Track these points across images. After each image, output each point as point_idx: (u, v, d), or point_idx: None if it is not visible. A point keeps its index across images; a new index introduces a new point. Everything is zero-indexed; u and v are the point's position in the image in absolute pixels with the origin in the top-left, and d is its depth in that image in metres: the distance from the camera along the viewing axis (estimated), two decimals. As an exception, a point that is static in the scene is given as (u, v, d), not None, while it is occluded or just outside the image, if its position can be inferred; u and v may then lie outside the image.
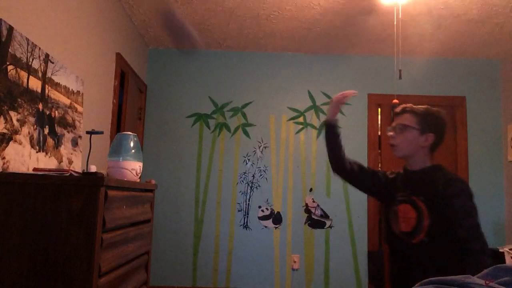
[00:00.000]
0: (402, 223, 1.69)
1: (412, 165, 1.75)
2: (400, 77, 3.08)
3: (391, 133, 1.78)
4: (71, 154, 2.32)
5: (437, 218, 1.60)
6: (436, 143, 1.72)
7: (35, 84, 1.96)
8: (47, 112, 2.07)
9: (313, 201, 4.10)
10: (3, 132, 1.70)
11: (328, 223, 4.08)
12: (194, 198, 4.09)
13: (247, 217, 4.07)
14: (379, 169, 3.99)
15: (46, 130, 2.05)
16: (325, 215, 4.09)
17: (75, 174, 1.56)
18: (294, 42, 4.01)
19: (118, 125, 3.43)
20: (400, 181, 1.77)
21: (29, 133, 1.89)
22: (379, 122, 4.24)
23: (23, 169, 1.81)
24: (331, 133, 1.88)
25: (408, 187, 1.72)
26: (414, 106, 1.74)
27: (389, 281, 1.74)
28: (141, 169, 2.04)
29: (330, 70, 4.27)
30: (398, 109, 1.77)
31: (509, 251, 3.54)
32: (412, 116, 1.73)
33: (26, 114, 1.87)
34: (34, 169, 1.81)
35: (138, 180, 2.07)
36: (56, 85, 2.16)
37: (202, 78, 4.25)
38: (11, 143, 1.75)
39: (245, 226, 4.06)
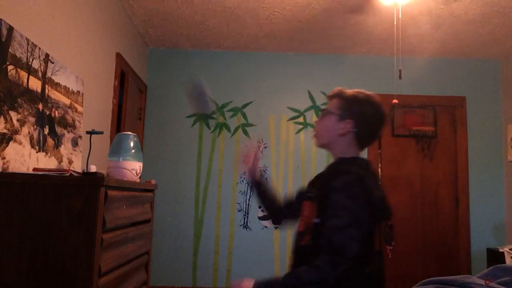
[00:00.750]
0: (300, 222, 1.43)
1: (333, 157, 1.48)
2: (400, 77, 3.08)
3: (315, 120, 1.55)
4: (71, 154, 2.32)
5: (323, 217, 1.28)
6: (361, 133, 1.40)
7: (35, 84, 1.96)
8: (47, 112, 2.07)
9: (313, 201, 4.10)
10: (3, 132, 1.70)
11: (328, 223, 4.07)
12: (194, 198, 4.09)
13: (247, 217, 4.07)
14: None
15: (46, 130, 2.05)
16: (325, 215, 4.08)
17: (75, 174, 1.56)
18: (294, 42, 4.01)
19: (118, 125, 3.43)
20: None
21: (29, 133, 1.89)
22: (379, 122, 4.24)
23: (23, 169, 1.81)
24: (259, 191, 1.66)
25: (317, 182, 1.46)
26: (346, 90, 1.47)
27: None
28: (141, 169, 2.04)
29: (330, 70, 4.28)
30: (330, 93, 1.50)
31: (509, 251, 3.55)
32: (337, 101, 1.44)
33: (26, 114, 1.87)
34: (34, 169, 1.81)
35: (138, 180, 2.07)
36: (56, 85, 2.16)
37: (202, 78, 4.24)
38: (11, 143, 1.75)
39: (245, 226, 4.06)
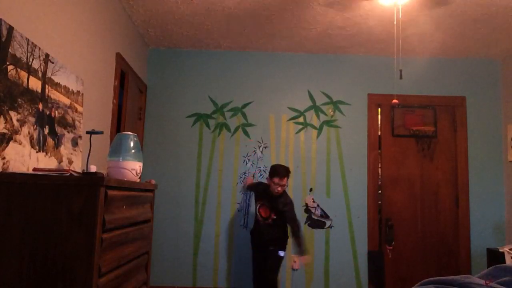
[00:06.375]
0: (261, 214, 3.46)
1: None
2: (400, 77, 3.08)
3: None
4: (71, 154, 2.32)
5: None
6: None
7: (35, 84, 1.96)
8: (47, 112, 2.07)
9: (313, 201, 4.10)
10: (3, 132, 1.70)
11: (328, 223, 4.07)
12: (194, 198, 4.09)
13: (247, 217, 4.07)
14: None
15: (46, 130, 2.05)
16: (325, 215, 4.08)
17: (75, 174, 1.56)
18: (294, 42, 4.01)
19: (118, 125, 3.43)
20: None
21: (29, 133, 1.89)
22: (379, 122, 4.24)
23: (23, 169, 1.81)
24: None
25: None
26: None
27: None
28: (141, 169, 2.04)
29: (330, 70, 4.28)
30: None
31: (509, 251, 3.55)
32: None
33: (26, 114, 1.87)
34: (34, 169, 1.81)
35: (138, 180, 2.07)
36: (56, 85, 2.16)
37: (202, 78, 4.25)
38: (11, 143, 1.75)
39: (245, 226, 4.06)
